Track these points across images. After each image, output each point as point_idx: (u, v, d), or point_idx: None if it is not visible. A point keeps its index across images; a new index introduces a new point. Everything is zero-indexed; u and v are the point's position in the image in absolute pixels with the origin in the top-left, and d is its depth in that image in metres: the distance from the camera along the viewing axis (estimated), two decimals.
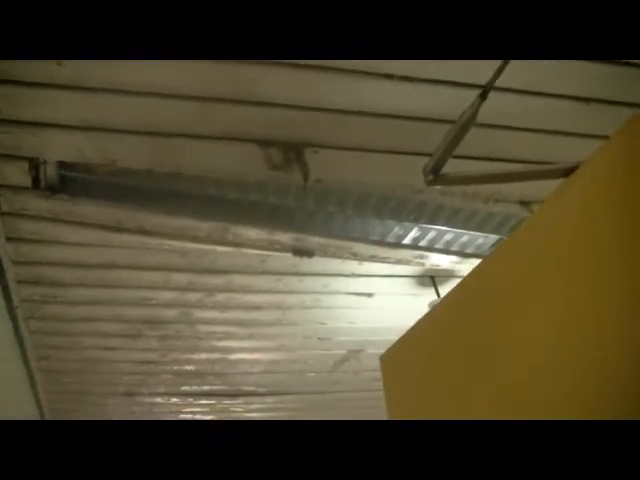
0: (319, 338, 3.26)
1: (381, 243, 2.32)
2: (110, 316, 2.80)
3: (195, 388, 3.72)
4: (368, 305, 2.96)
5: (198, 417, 4.22)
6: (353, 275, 2.69)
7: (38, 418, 3.79)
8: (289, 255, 2.40)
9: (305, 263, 2.51)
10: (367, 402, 4.11)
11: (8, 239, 2.22)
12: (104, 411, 3.93)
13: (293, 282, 2.68)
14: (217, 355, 3.30)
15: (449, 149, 1.30)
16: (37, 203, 2.04)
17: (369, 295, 2.89)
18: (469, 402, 1.27)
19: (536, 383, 1.09)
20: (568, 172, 1.16)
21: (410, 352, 1.59)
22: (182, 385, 3.64)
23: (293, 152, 1.89)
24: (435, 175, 1.32)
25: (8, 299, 2.60)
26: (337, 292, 2.82)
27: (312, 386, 3.87)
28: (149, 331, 2.96)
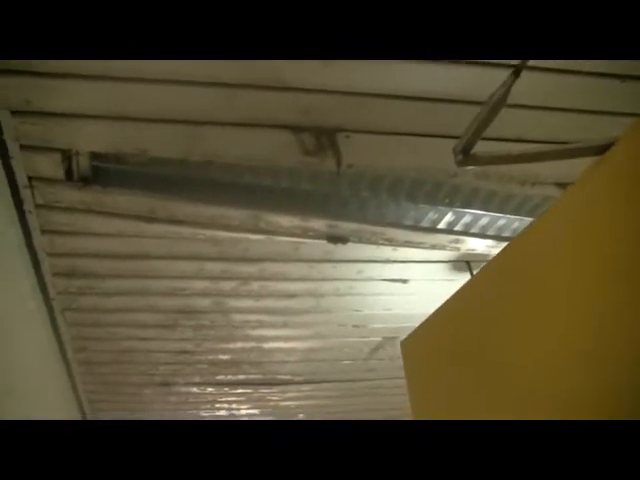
0: (354, 325, 3.25)
1: (415, 228, 2.29)
2: (145, 306, 2.81)
3: (230, 377, 3.73)
4: (403, 291, 2.93)
5: (234, 406, 4.24)
6: (387, 261, 2.66)
7: (76, 409, 3.84)
8: (323, 242, 2.38)
9: (339, 250, 2.50)
10: (402, 389, 4.07)
11: (43, 232, 2.24)
12: (141, 400, 3.97)
13: (327, 269, 2.67)
14: (252, 344, 3.30)
15: (480, 129, 1.28)
16: (70, 194, 2.05)
17: (404, 281, 2.87)
18: (487, 390, 1.26)
19: (558, 373, 1.07)
20: (602, 150, 1.13)
21: (431, 338, 1.58)
22: (217, 374, 3.66)
23: (326, 137, 1.87)
24: (465, 155, 1.30)
25: (44, 292, 2.63)
26: (371, 279, 2.81)
27: (347, 374, 3.87)
28: (184, 321, 2.98)
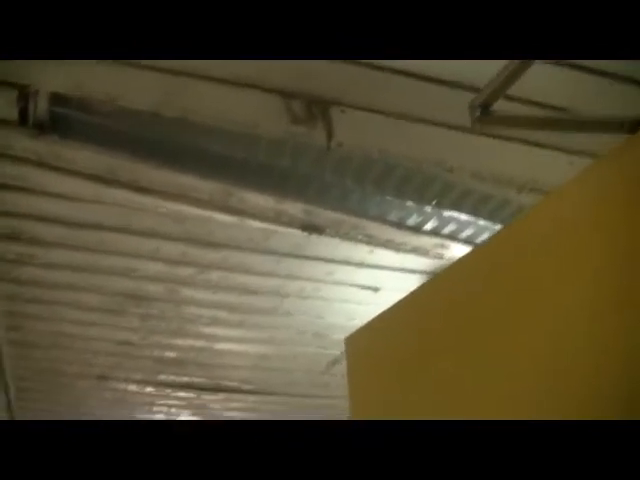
0: (314, 334, 3.07)
1: (400, 226, 2.13)
2: (91, 285, 2.59)
3: (173, 378, 3.50)
4: (372, 301, 2.77)
5: (173, 411, 4.00)
6: (361, 265, 2.50)
7: (3, 396, 3.57)
8: (295, 232, 2.21)
9: (312, 244, 2.33)
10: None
11: None
12: (74, 394, 3.71)
13: (295, 266, 2.50)
14: (202, 343, 3.09)
15: (507, 82, 1.12)
16: (22, 142, 1.84)
17: (375, 289, 2.71)
18: (431, 394, 1.22)
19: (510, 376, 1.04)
20: (634, 127, 0.98)
21: (378, 337, 1.47)
22: (160, 373, 3.43)
23: (318, 108, 1.70)
24: (484, 112, 1.14)
25: None
26: (341, 282, 2.64)
27: (299, 387, 3.67)
28: (131, 307, 2.76)
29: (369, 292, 2.70)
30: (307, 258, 2.45)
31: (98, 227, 2.23)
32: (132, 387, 3.59)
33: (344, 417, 3.77)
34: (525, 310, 1.01)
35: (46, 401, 3.81)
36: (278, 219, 2.10)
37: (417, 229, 2.13)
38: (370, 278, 2.60)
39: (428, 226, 2.14)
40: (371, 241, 2.22)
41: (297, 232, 2.21)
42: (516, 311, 1.03)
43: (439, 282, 1.36)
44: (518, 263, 1.05)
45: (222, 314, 2.82)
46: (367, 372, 1.49)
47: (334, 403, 3.81)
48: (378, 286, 2.67)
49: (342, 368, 3.24)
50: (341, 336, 2.99)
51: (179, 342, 3.07)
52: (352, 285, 2.67)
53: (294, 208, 2.05)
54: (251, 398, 3.76)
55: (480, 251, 1.27)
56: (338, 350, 3.14)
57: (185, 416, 4.08)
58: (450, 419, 1.11)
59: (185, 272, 2.52)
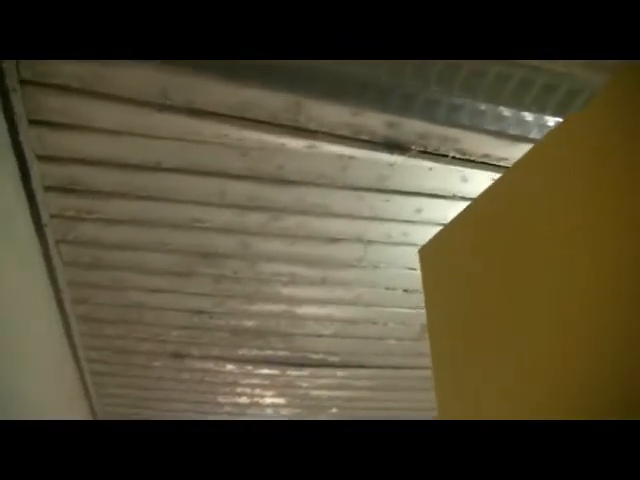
0: (404, 290, 2.80)
1: (500, 135, 1.85)
2: (155, 243, 2.41)
3: (256, 352, 3.30)
4: None
5: (257, 392, 3.79)
6: (454, 197, 2.23)
7: (78, 382, 3.45)
8: (377, 158, 1.96)
9: (396, 174, 2.09)
10: None
11: (30, 122, 1.85)
12: (150, 376, 3.56)
13: (379, 203, 2.25)
14: (282, 307, 2.87)
15: None
16: (63, 66, 1.66)
17: None
18: (514, 300, 1.13)
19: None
20: None
21: (453, 245, 1.40)
22: (239, 347, 3.23)
23: None
24: None
25: (36, 214, 2.24)
26: (431, 222, 2.37)
27: (391, 358, 3.41)
28: (202, 268, 2.56)
29: None
30: (392, 192, 2.20)
31: (155, 168, 2.04)
32: (210, 365, 3.40)
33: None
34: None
35: (123, 386, 3.67)
36: (356, 136, 1.85)
37: (522, 138, 1.84)
38: None
39: (533, 134, 1.85)
40: (464, 158, 1.93)
41: (378, 157, 1.95)
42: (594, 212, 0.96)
43: (512, 180, 1.23)
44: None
45: (301, 270, 2.59)
46: (443, 283, 1.43)
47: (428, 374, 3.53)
48: None
49: None
50: None
51: (256, 308, 2.86)
52: (444, 224, 2.38)
53: (374, 120, 1.79)
54: (339, 373, 3.52)
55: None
56: None
57: (270, 397, 3.87)
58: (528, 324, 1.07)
59: (256, 219, 2.30)
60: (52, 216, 2.27)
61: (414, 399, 3.88)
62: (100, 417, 3.89)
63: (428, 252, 1.51)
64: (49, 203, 2.20)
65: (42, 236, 2.34)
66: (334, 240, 2.45)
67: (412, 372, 3.55)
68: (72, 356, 3.20)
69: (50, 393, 2.79)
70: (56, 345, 2.91)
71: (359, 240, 2.46)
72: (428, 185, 2.17)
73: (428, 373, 3.26)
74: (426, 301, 1.44)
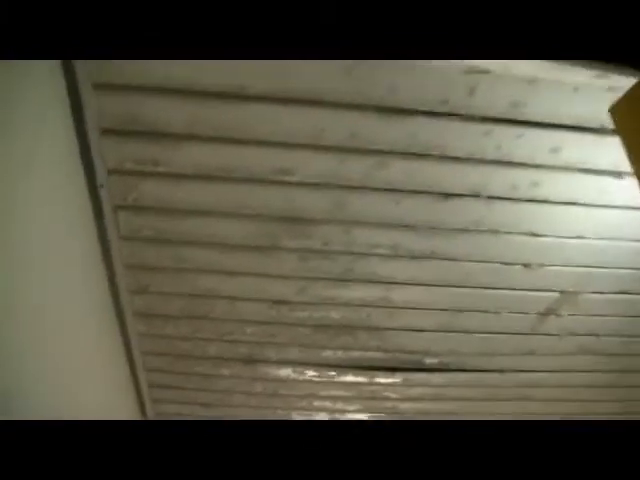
0: (524, 264, 2.37)
1: None
2: (230, 206, 2.03)
3: (341, 354, 2.87)
4: (613, 196, 2.07)
5: (338, 407, 3.35)
6: (601, 131, 1.83)
7: (133, 394, 3.06)
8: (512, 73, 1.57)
9: (534, 95, 1.68)
10: (559, 392, 3.17)
11: None
12: (216, 389, 3.14)
13: (508, 139, 1.84)
14: (378, 291, 2.46)
15: None
16: None
17: (618, 175, 2.01)
18: None
19: None
20: None
21: None
22: (323, 348, 2.81)
23: None
24: None
25: (89, 165, 1.88)
26: (569, 167, 1.96)
27: (496, 359, 2.95)
28: (286, 239, 2.18)
29: (608, 179, 2.00)
30: (526, 125, 1.80)
31: (238, 95, 1.67)
32: (287, 371, 2.98)
33: (546, 405, 3.06)
34: None
35: (183, 402, 3.26)
36: None
37: None
38: (612, 157, 1.91)
39: None
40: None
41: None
42: None
43: None
44: None
45: (404, 239, 2.19)
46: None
47: (540, 379, 3.08)
48: (623, 170, 1.96)
49: (558, 322, 2.52)
50: (559, 266, 2.29)
51: (346, 293, 2.45)
52: (584, 171, 1.98)
53: None
54: (435, 379, 3.06)
55: None
56: (555, 290, 2.43)
57: (352, 412, 3.42)
58: None
59: (356, 168, 1.91)
60: (109, 171, 1.91)
61: (520, 410, 3.41)
62: None
63: (622, 109, 1.45)
64: (103, 152, 1.84)
65: (96, 200, 1.98)
66: (447, 196, 2.05)
67: (517, 377, 3.09)
68: (127, 363, 2.81)
69: (98, 407, 2.40)
70: (108, 347, 2.52)
71: (477, 195, 2.05)
72: (565, 113, 1.76)
73: (536, 378, 2.81)
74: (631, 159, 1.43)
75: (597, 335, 2.82)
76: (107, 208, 2.02)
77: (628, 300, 2.61)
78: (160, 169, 1.90)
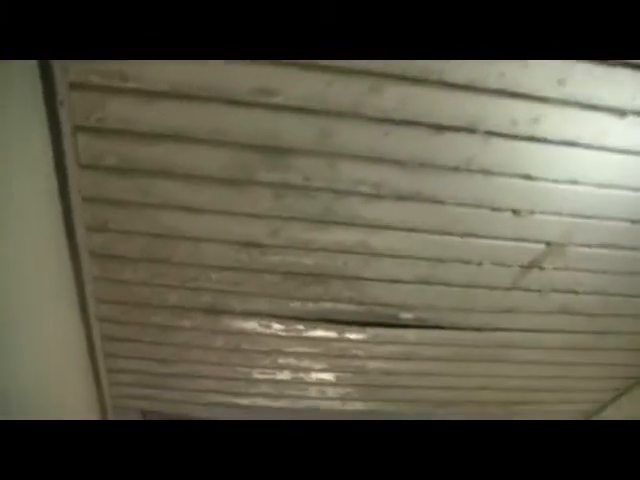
0: (514, 212, 2.25)
1: None
2: (203, 131, 1.85)
3: (311, 306, 2.73)
4: (614, 139, 1.96)
5: (304, 365, 3.22)
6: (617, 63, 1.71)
7: (85, 351, 2.86)
8: None
9: None
10: (536, 355, 3.09)
11: None
12: (175, 343, 2.97)
13: (514, 67, 1.71)
14: (357, 235, 2.32)
15: None
16: None
17: (623, 114, 1.89)
18: None
19: None
20: None
21: None
22: (292, 298, 2.66)
23: None
24: None
25: (48, 79, 1.68)
26: (573, 101, 1.84)
27: (476, 316, 2.85)
28: (263, 171, 2.01)
29: (614, 120, 1.89)
30: None
31: None
32: (252, 324, 2.83)
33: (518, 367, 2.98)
34: None
35: (137, 356, 3.08)
36: None
37: None
38: (620, 90, 1.79)
39: None
40: None
41: None
42: None
43: None
44: None
45: (391, 176, 2.05)
46: None
47: (515, 339, 2.99)
48: (632, 108, 1.85)
49: (542, 277, 2.42)
50: (550, 215, 2.18)
51: (324, 237, 2.31)
52: (590, 107, 1.86)
53: None
54: (409, 336, 2.94)
55: None
56: (541, 241, 2.33)
57: (318, 372, 3.28)
58: None
59: (348, 93, 1.75)
60: (71, 86, 1.71)
61: (491, 373, 3.32)
62: (107, 392, 3.30)
63: None
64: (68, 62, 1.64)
65: (55, 120, 1.78)
66: (441, 129, 1.91)
67: (494, 336, 3.00)
68: (80, 311, 2.62)
69: (49, 359, 2.21)
70: (58, 291, 2.33)
71: (473, 129, 1.92)
72: None
73: (513, 338, 2.71)
74: None
75: (577, 292, 2.73)
76: (66, 129, 1.82)
77: (613, 256, 2.52)
78: (129, 85, 1.72)
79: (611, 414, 3.76)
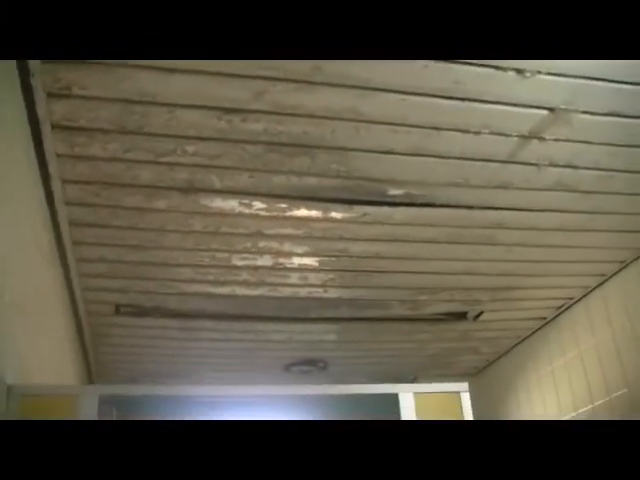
0: (518, 70, 2.09)
1: None
2: None
3: (295, 181, 2.57)
4: None
5: (285, 249, 3.08)
6: None
7: (51, 237, 2.69)
8: None
9: None
10: (526, 236, 2.99)
11: None
12: (148, 226, 2.81)
13: None
14: (346, 100, 2.15)
15: None
16: None
17: None
18: None
19: None
20: None
21: None
22: (275, 172, 2.50)
23: None
24: None
25: None
26: None
27: (469, 192, 2.72)
28: None
29: None
30: None
31: None
32: (232, 204, 2.66)
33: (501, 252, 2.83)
34: None
35: (109, 243, 2.92)
36: None
37: None
38: None
39: None
40: None
41: None
42: None
43: None
44: None
45: None
46: None
47: (506, 218, 2.87)
48: None
49: (538, 150, 2.27)
50: (557, 78, 2.02)
51: (312, 101, 2.14)
52: None
53: None
54: (398, 215, 2.81)
55: None
56: (546, 107, 2.18)
57: (300, 256, 3.15)
58: None
59: None
60: None
61: (478, 257, 3.23)
62: (77, 284, 3.15)
63: None
64: None
65: None
66: None
67: (486, 215, 2.88)
68: (45, 196, 2.44)
69: (11, 247, 2.04)
70: (21, 175, 2.14)
71: None
72: None
73: (505, 217, 2.58)
74: None
75: (575, 167, 2.61)
76: None
77: (616, 124, 2.38)
78: None
79: (595, 299, 3.71)
